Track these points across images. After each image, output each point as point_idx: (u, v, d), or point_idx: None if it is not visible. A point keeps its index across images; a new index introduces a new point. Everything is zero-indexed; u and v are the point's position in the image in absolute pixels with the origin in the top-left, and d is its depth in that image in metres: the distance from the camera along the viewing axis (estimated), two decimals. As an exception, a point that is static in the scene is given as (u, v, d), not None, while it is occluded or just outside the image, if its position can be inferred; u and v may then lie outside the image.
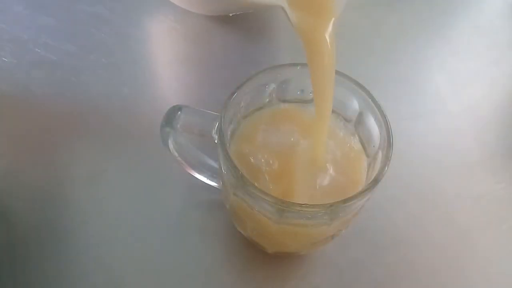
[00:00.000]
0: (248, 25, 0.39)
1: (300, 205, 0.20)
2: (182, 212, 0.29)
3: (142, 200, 0.29)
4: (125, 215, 0.29)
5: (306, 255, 0.28)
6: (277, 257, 0.28)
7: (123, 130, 0.32)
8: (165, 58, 0.38)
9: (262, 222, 0.22)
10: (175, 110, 0.24)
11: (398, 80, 0.37)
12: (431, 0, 0.43)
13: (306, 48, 0.22)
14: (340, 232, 0.25)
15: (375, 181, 0.21)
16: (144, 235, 0.28)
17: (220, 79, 0.36)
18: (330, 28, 0.21)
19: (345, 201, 0.20)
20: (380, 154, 0.23)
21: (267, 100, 0.26)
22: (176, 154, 0.26)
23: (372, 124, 0.24)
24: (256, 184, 0.20)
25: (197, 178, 0.28)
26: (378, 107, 0.23)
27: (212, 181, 0.28)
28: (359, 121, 0.25)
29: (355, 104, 0.25)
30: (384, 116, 0.23)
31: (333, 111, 0.25)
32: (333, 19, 0.21)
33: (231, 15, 0.39)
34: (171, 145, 0.25)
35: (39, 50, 0.36)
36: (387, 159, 0.22)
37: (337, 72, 0.23)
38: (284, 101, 0.26)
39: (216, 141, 0.23)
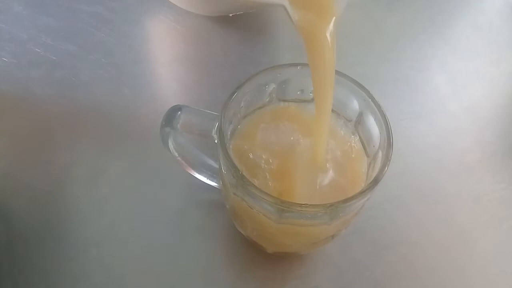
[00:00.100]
0: (248, 25, 0.39)
1: (300, 205, 0.20)
2: (182, 212, 0.29)
3: (142, 200, 0.29)
4: (125, 215, 0.29)
5: (306, 255, 0.28)
6: (277, 257, 0.28)
7: (123, 130, 0.32)
8: (165, 58, 0.38)
9: (262, 222, 0.22)
10: (175, 110, 0.24)
11: (398, 80, 0.37)
12: (431, 0, 0.43)
13: (307, 47, 0.22)
14: (340, 232, 0.25)
15: (375, 181, 0.21)
16: (144, 235, 0.28)
17: (220, 79, 0.36)
18: (331, 27, 0.21)
19: (345, 201, 0.20)
20: (380, 154, 0.23)
21: (267, 100, 0.26)
22: (176, 154, 0.26)
23: (372, 124, 0.24)
24: (255, 180, 0.20)
25: (197, 178, 0.28)
26: (378, 107, 0.23)
27: (212, 181, 0.28)
28: (359, 121, 0.25)
29: (355, 104, 0.25)
30: (384, 116, 0.23)
31: (333, 111, 0.25)
32: (334, 18, 0.21)
33: (231, 15, 0.39)
34: (171, 145, 0.25)
35: (39, 50, 0.36)
36: (387, 159, 0.22)
37: (337, 72, 0.23)
38: (284, 101, 0.26)
39: (216, 141, 0.23)
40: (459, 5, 0.43)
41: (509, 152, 0.34)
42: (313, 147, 0.25)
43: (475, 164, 0.33)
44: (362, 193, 0.21)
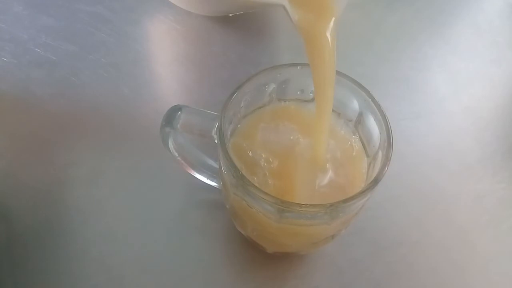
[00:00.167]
0: (248, 25, 0.39)
1: (300, 205, 0.20)
2: (182, 212, 0.29)
3: (142, 200, 0.29)
4: (125, 215, 0.29)
5: (306, 255, 0.28)
6: (277, 257, 0.28)
7: (123, 130, 0.32)
8: (165, 58, 0.38)
9: (262, 222, 0.22)
10: (175, 110, 0.24)
11: (398, 80, 0.37)
12: (431, 0, 0.43)
13: (306, 47, 0.22)
14: (340, 232, 0.25)
15: (375, 181, 0.21)
16: (144, 235, 0.28)
17: (220, 79, 0.36)
18: (331, 27, 0.21)
19: (345, 201, 0.20)
20: (380, 154, 0.23)
21: (267, 100, 0.26)
22: (176, 154, 0.26)
23: (372, 124, 0.24)
24: (255, 178, 0.20)
25: (197, 178, 0.28)
26: (378, 107, 0.23)
27: (212, 181, 0.28)
28: (359, 121, 0.25)
29: (355, 104, 0.25)
30: (384, 116, 0.23)
31: (333, 111, 0.25)
32: (333, 18, 0.21)
33: (231, 15, 0.39)
34: (171, 145, 0.25)
35: (39, 50, 0.36)
36: (387, 159, 0.22)
37: (337, 72, 0.23)
38: (285, 101, 0.26)
39: (216, 141, 0.23)
40: (459, 5, 0.43)
41: (509, 152, 0.34)
42: (313, 147, 0.25)
43: (475, 164, 0.33)
44: (362, 193, 0.21)
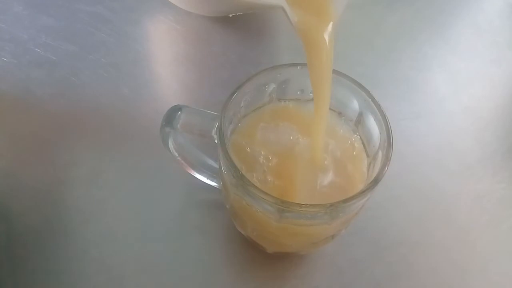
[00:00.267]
0: (248, 25, 0.39)
1: (300, 205, 0.20)
2: (182, 212, 0.29)
3: (142, 200, 0.29)
4: (125, 215, 0.29)
5: (306, 255, 0.28)
6: (277, 257, 0.28)
7: (123, 130, 0.32)
8: (165, 58, 0.38)
9: (262, 222, 0.22)
10: (175, 110, 0.24)
11: (398, 80, 0.37)
12: (431, 0, 0.43)
13: (305, 48, 0.22)
14: (340, 232, 0.25)
15: (375, 181, 0.21)
16: (144, 235, 0.28)
17: (220, 79, 0.36)
18: (329, 29, 0.21)
19: (345, 201, 0.20)
20: (380, 154, 0.23)
21: (267, 100, 0.26)
22: (176, 154, 0.26)
23: (372, 124, 0.24)
24: (254, 174, 0.20)
25: (197, 178, 0.28)
26: (378, 107, 0.23)
27: (212, 181, 0.28)
28: (359, 121, 0.25)
29: (355, 104, 0.25)
30: (384, 116, 0.23)
31: (333, 111, 0.26)
32: (332, 20, 0.22)
33: (231, 15, 0.39)
34: (171, 145, 0.25)
35: (39, 50, 0.36)
36: (387, 159, 0.22)
37: (337, 72, 0.23)
38: (284, 101, 0.26)
39: (216, 141, 0.23)
40: (459, 5, 0.43)
41: (509, 152, 0.34)
42: (311, 146, 0.25)
43: (475, 164, 0.33)
44: (362, 193, 0.21)
